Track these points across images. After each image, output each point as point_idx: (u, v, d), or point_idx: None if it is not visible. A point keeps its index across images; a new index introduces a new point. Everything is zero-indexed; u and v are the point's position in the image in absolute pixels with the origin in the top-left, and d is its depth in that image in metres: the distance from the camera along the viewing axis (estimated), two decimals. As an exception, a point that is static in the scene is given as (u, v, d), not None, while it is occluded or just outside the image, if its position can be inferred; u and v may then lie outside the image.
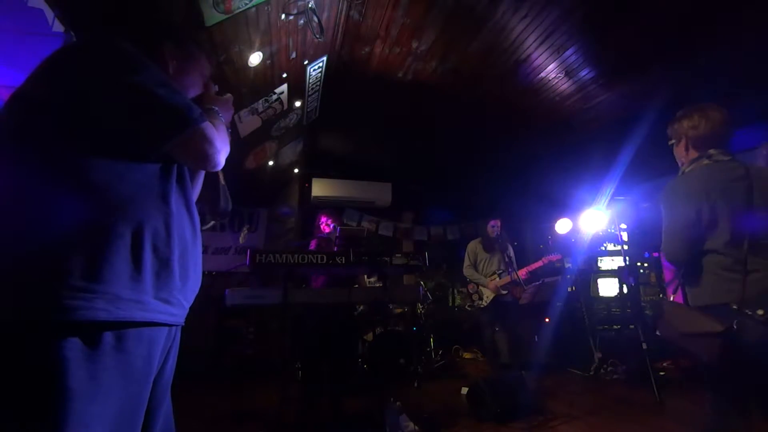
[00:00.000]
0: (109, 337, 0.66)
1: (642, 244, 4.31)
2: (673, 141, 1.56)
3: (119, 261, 0.69)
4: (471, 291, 3.87)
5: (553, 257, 3.82)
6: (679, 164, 1.59)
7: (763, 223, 1.30)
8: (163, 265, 0.77)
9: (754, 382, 1.26)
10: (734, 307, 1.26)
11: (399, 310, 4.31)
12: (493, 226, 3.85)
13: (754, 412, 1.29)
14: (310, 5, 2.44)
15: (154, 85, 0.78)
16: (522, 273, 3.68)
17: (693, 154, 1.48)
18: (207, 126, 0.84)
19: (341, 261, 2.30)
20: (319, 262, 2.29)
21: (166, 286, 0.77)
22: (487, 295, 3.71)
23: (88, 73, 0.76)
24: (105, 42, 0.80)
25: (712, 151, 1.42)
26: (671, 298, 1.56)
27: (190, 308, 0.90)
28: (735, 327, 1.21)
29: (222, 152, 0.90)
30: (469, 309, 3.97)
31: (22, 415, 0.59)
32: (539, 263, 3.81)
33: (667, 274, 1.62)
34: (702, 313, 1.32)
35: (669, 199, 1.46)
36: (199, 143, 0.83)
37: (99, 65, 0.77)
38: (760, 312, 1.20)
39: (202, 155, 0.85)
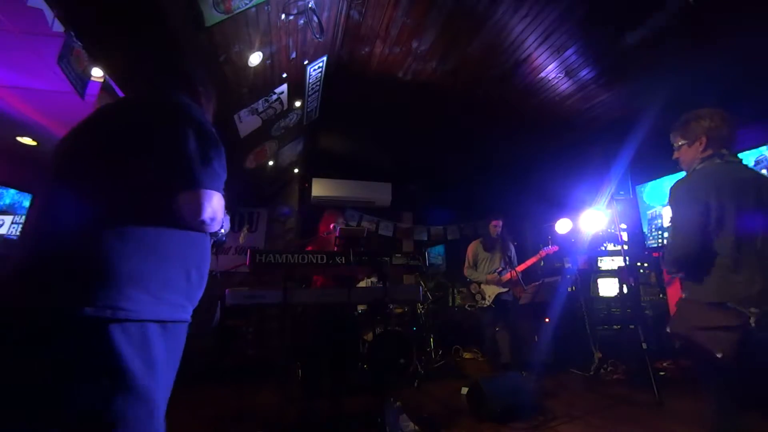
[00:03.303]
0: (171, 328, 0.91)
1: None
2: (684, 142, 1.57)
3: (179, 278, 0.94)
4: (474, 291, 3.87)
5: (550, 249, 3.83)
6: (685, 166, 1.59)
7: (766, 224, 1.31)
8: (200, 281, 1.02)
9: (758, 377, 1.31)
10: (731, 305, 1.28)
11: (399, 310, 4.30)
12: (496, 226, 3.85)
13: (754, 410, 1.32)
14: (310, 5, 2.44)
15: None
16: (520, 268, 3.69)
17: (707, 152, 1.50)
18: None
19: (341, 261, 2.30)
20: (319, 262, 2.29)
21: (196, 295, 1.01)
22: (490, 295, 3.71)
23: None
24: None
25: (724, 151, 1.46)
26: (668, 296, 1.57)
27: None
28: (753, 324, 1.24)
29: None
30: (469, 309, 3.98)
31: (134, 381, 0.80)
32: (536, 258, 3.82)
33: (667, 275, 1.63)
34: (712, 308, 1.34)
35: (681, 196, 1.46)
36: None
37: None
38: (754, 310, 1.24)
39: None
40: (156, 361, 0.85)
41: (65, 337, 0.76)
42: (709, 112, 1.52)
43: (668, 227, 1.63)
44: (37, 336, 0.76)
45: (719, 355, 1.29)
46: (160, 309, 0.87)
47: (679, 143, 1.59)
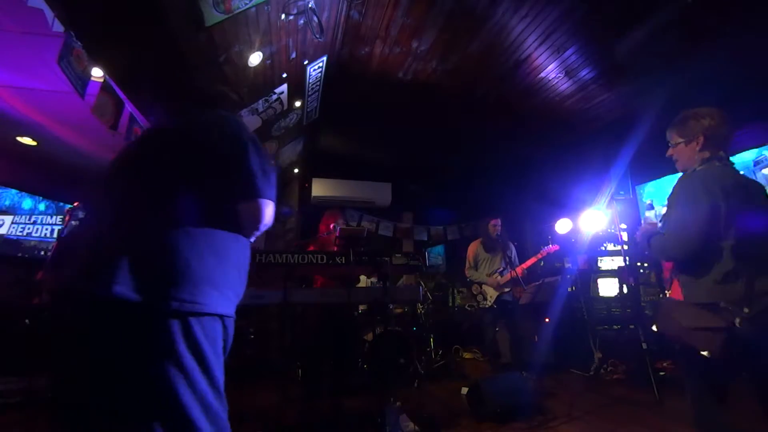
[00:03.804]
0: (228, 322, 1.00)
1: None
2: (681, 140, 1.54)
3: (234, 277, 1.03)
4: (475, 292, 3.87)
5: (551, 248, 3.82)
6: (681, 165, 1.58)
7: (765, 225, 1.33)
8: (245, 280, 1.10)
9: (746, 374, 1.32)
10: (723, 305, 1.29)
11: (399, 310, 4.30)
12: (495, 225, 3.85)
13: (732, 405, 1.35)
14: (310, 5, 2.44)
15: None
16: (521, 268, 3.69)
17: (705, 154, 1.48)
18: None
19: (341, 261, 2.30)
20: (319, 262, 2.29)
21: (242, 293, 1.09)
22: (491, 295, 3.71)
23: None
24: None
25: (722, 154, 1.46)
26: (668, 294, 1.57)
27: None
28: (738, 325, 1.25)
29: None
30: (469, 309, 3.98)
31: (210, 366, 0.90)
32: (537, 257, 3.82)
33: (667, 273, 1.63)
34: (702, 309, 1.35)
35: (684, 195, 1.44)
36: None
37: None
38: (746, 310, 1.25)
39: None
40: (219, 352, 0.95)
41: (152, 328, 0.85)
42: (710, 112, 1.50)
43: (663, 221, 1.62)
44: (125, 327, 0.84)
45: (706, 354, 1.31)
46: (224, 304, 0.97)
47: (676, 141, 1.57)
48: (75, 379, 0.86)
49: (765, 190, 1.44)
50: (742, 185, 1.40)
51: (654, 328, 1.55)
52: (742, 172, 1.49)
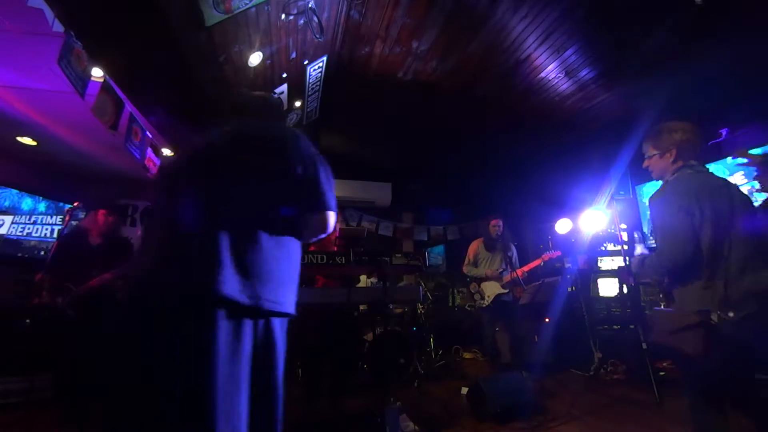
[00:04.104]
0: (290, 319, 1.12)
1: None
2: (656, 152, 1.63)
3: (295, 279, 1.15)
4: (473, 291, 3.87)
5: (553, 254, 3.82)
6: (656, 175, 1.66)
7: (744, 229, 1.37)
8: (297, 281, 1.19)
9: (728, 376, 1.36)
10: (707, 309, 1.35)
11: (399, 310, 4.30)
12: (495, 225, 3.84)
13: (730, 412, 1.37)
14: (310, 5, 2.44)
15: None
16: (522, 271, 3.68)
17: (678, 164, 1.57)
18: None
19: (341, 261, 2.30)
20: (319, 262, 2.28)
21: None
22: (489, 295, 3.70)
23: None
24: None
25: (693, 162, 1.54)
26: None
27: None
28: (713, 320, 1.32)
29: None
30: (469, 309, 3.98)
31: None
32: (538, 261, 3.81)
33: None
34: (682, 312, 1.43)
35: (661, 206, 1.51)
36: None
37: None
38: (731, 314, 1.30)
39: None
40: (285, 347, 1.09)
41: (244, 324, 0.96)
42: (682, 126, 1.59)
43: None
44: (225, 323, 0.93)
45: (690, 351, 1.37)
46: (291, 303, 1.09)
47: (651, 153, 1.65)
48: (157, 371, 0.89)
49: (739, 191, 1.48)
50: (716, 188, 1.45)
51: (650, 340, 1.62)
52: (718, 175, 1.54)
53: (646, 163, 1.69)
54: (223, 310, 0.92)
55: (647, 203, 1.59)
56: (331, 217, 1.18)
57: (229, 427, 0.89)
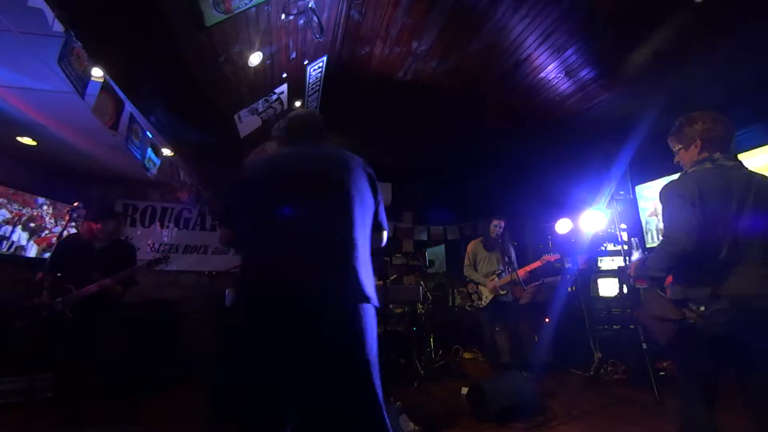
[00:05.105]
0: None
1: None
2: (681, 147, 1.60)
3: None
4: (470, 291, 3.87)
5: (552, 257, 3.82)
6: (686, 169, 1.62)
7: (750, 227, 1.36)
8: None
9: (702, 369, 1.42)
10: (684, 299, 1.41)
11: (399, 310, 4.30)
12: (496, 226, 3.84)
13: (717, 407, 1.40)
14: (310, 5, 2.44)
15: None
16: (521, 273, 3.68)
17: (703, 155, 1.53)
18: None
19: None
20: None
21: None
22: (486, 295, 3.70)
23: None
24: None
25: (717, 155, 1.49)
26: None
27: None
28: (686, 317, 1.37)
29: None
30: (469, 309, 3.97)
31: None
32: (537, 263, 3.81)
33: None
34: (673, 303, 1.45)
35: (669, 197, 1.52)
36: None
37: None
38: (702, 308, 1.35)
39: None
40: None
41: (372, 319, 1.25)
42: (701, 115, 1.56)
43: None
44: (365, 320, 1.21)
45: (662, 342, 1.45)
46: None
47: (677, 148, 1.63)
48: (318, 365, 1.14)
49: (765, 185, 1.42)
50: (729, 186, 1.41)
51: (635, 314, 1.69)
52: (743, 169, 1.47)
53: (676, 160, 1.66)
54: (368, 304, 1.24)
55: (659, 195, 1.58)
56: (386, 234, 1.52)
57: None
